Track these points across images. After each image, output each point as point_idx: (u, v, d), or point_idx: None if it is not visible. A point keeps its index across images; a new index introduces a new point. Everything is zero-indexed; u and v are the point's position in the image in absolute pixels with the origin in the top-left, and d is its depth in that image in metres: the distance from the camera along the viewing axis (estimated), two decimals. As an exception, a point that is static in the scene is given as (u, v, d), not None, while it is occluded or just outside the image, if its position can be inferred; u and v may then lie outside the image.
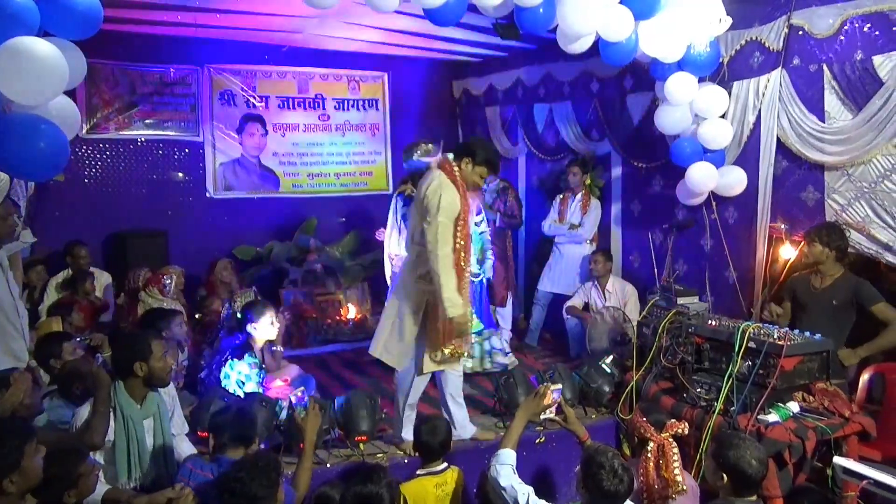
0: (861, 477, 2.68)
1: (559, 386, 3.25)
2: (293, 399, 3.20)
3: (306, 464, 2.98)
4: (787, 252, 4.43)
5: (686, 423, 3.20)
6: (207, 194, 6.95)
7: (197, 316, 5.38)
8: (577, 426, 3.15)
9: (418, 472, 3.23)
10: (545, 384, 3.21)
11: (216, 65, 6.88)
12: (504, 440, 2.99)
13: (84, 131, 6.31)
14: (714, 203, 4.84)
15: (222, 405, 3.56)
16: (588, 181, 5.94)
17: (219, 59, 6.86)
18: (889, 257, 3.97)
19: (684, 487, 2.95)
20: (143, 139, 6.67)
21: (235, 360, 3.95)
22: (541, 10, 3.81)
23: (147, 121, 6.66)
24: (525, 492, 2.72)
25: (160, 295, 5.04)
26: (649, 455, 3.03)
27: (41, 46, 2.84)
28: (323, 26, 5.85)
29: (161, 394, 3.06)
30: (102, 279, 5.67)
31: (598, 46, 4.24)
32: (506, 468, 2.82)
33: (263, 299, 4.83)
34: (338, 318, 6.36)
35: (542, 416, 3.15)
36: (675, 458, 3.00)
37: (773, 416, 3.42)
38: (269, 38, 6.54)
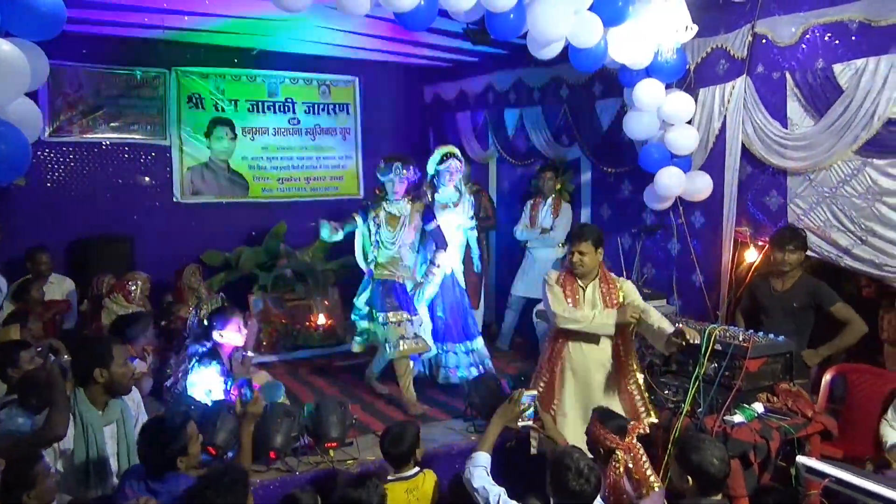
0: (823, 475, 2.75)
1: (534, 392, 3.22)
2: (241, 391, 3.12)
3: (245, 455, 2.90)
4: (752, 256, 4.52)
5: (644, 423, 3.29)
6: (174, 199, 6.84)
7: (163, 323, 5.29)
8: (555, 432, 3.14)
9: (389, 477, 3.22)
10: (519, 390, 3.20)
11: (184, 67, 6.78)
12: (479, 444, 3.05)
13: (47, 134, 6.17)
14: (681, 208, 4.91)
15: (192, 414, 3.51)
16: (559, 186, 5.99)
17: (186, 61, 6.76)
18: (848, 261, 4.07)
19: (658, 485, 2.98)
20: (108, 143, 6.54)
21: (202, 367, 3.89)
22: (511, 15, 3.83)
23: (112, 124, 6.53)
24: (497, 492, 2.79)
25: (125, 301, 4.95)
26: (618, 464, 3.03)
27: (1, 47, 2.77)
28: (293, 30, 5.81)
29: (125, 400, 2.99)
30: (65, 285, 5.54)
31: (567, 52, 4.28)
32: (479, 470, 2.89)
33: (231, 305, 4.77)
34: (308, 323, 6.30)
35: (519, 423, 3.14)
36: (644, 457, 3.02)
37: (738, 417, 3.47)
38: (239, 41, 6.47)
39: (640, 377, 3.60)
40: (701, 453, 2.58)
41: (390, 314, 4.70)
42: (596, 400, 3.49)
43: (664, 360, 3.91)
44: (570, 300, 3.59)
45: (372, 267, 4.87)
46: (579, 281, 3.63)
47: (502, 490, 2.81)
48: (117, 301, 4.96)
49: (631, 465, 3.01)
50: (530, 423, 3.16)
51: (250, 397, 2.95)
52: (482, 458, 2.95)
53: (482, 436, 3.14)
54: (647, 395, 3.59)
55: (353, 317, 5.01)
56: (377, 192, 4.98)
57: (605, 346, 3.60)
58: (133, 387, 3.10)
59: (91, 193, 6.45)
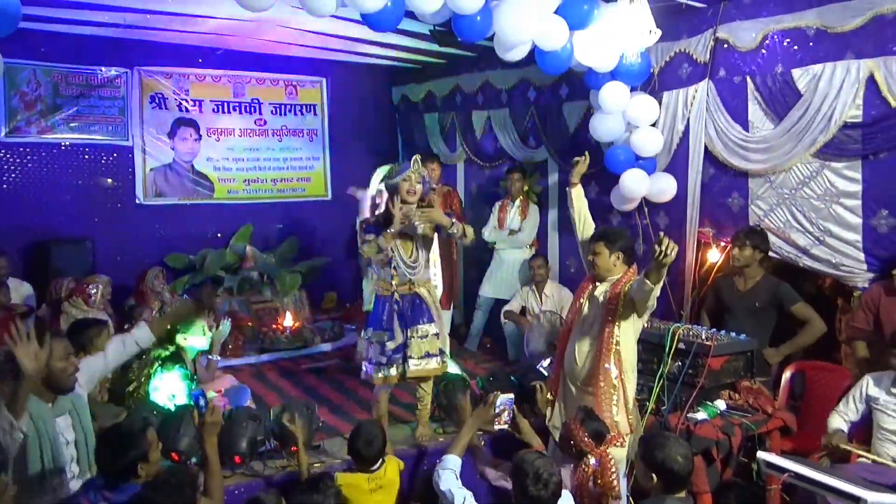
0: (783, 470, 2.81)
1: (511, 396, 3.13)
2: (198, 402, 3.05)
3: (213, 468, 2.83)
4: (715, 256, 4.61)
5: (624, 438, 3.26)
6: (137, 200, 6.70)
7: (126, 327, 5.17)
8: (531, 437, 3.08)
9: (353, 466, 3.21)
10: (495, 393, 3.14)
11: (146, 67, 6.66)
12: (451, 446, 3.06)
13: (2, 134, 6.01)
14: (646, 209, 4.98)
15: (155, 420, 3.44)
16: (526, 188, 6.02)
17: (149, 61, 6.64)
18: (807, 261, 4.17)
19: (621, 494, 3.00)
20: (67, 143, 6.38)
21: (165, 371, 3.82)
22: (478, 17, 3.84)
23: (72, 124, 6.37)
24: (463, 496, 2.78)
25: (85, 305, 4.83)
26: (587, 468, 3.05)
27: (-50, 42, 2.69)
28: (259, 30, 5.75)
29: (78, 390, 2.87)
30: (22, 290, 5.39)
31: (534, 55, 4.31)
32: (447, 472, 2.91)
33: (195, 308, 4.69)
34: (275, 326, 6.23)
35: (495, 427, 3.11)
36: (613, 468, 3.04)
37: (701, 415, 3.54)
38: (203, 41, 6.37)
39: (624, 395, 3.35)
40: (665, 451, 2.61)
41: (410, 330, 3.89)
42: (571, 402, 3.49)
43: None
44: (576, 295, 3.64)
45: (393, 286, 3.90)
46: (596, 281, 3.56)
47: (469, 493, 2.82)
48: (77, 305, 4.84)
49: (599, 471, 3.02)
50: (506, 427, 3.12)
51: (206, 408, 2.89)
52: (452, 462, 2.95)
53: (455, 438, 3.13)
54: (624, 416, 3.32)
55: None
56: (390, 204, 3.83)
57: (590, 351, 3.44)
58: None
59: (50, 195, 6.29)
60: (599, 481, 2.97)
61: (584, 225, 3.81)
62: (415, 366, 3.84)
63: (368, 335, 3.92)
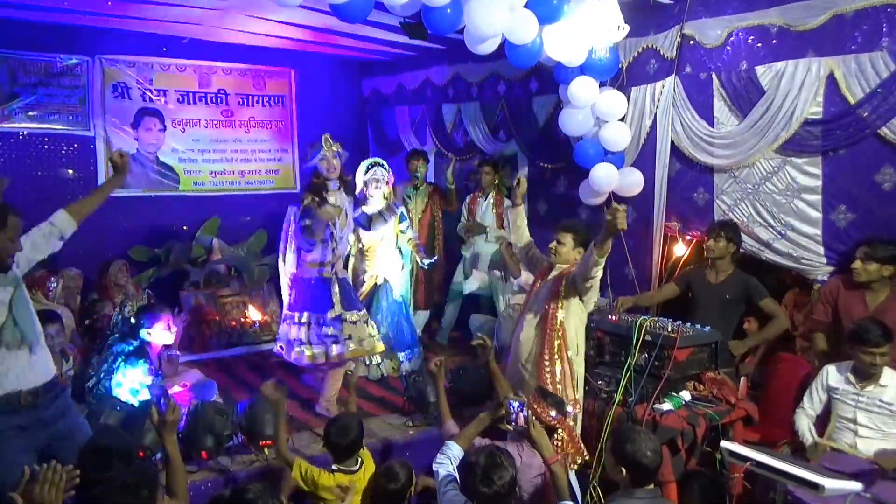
0: (745, 459, 2.87)
1: (521, 399, 3.00)
2: (159, 400, 3.01)
3: (175, 465, 2.81)
4: (680, 250, 4.68)
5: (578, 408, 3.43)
6: (99, 192, 6.56)
7: (86, 321, 5.06)
8: (540, 446, 2.91)
9: (333, 466, 3.19)
10: (506, 396, 3.09)
11: (109, 55, 6.50)
12: (458, 435, 3.10)
13: (-43, 123, 5.83)
14: (614, 203, 5.02)
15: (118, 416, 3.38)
16: (497, 181, 6.03)
17: (112, 49, 6.48)
18: (769, 254, 4.26)
19: (586, 456, 3.15)
20: (25, 133, 6.20)
21: (128, 367, 3.74)
22: (448, 10, 3.83)
23: (31, 113, 6.20)
24: (444, 478, 2.85)
25: (45, 299, 4.71)
26: (560, 443, 3.08)
27: None
28: (226, 19, 5.65)
29: (14, 270, 2.88)
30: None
31: (504, 48, 4.31)
32: (444, 458, 2.95)
33: (158, 302, 4.61)
34: (242, 320, 6.16)
35: (509, 427, 3.03)
36: (576, 434, 3.18)
37: (667, 405, 3.60)
38: (168, 29, 6.24)
39: (570, 374, 3.49)
40: (635, 444, 2.64)
41: (348, 314, 4.43)
42: (522, 385, 3.58)
43: (598, 350, 4.01)
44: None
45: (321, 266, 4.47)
46: (552, 269, 3.77)
47: (454, 478, 2.84)
48: (35, 298, 4.71)
49: (567, 441, 3.08)
50: (521, 427, 2.97)
51: (165, 406, 2.85)
52: (453, 449, 2.97)
53: (464, 429, 3.14)
54: (571, 394, 3.46)
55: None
56: (315, 180, 4.51)
57: (536, 333, 3.68)
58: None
59: (7, 186, 6.09)
60: (570, 449, 3.04)
61: (523, 236, 4.08)
62: None
63: None
